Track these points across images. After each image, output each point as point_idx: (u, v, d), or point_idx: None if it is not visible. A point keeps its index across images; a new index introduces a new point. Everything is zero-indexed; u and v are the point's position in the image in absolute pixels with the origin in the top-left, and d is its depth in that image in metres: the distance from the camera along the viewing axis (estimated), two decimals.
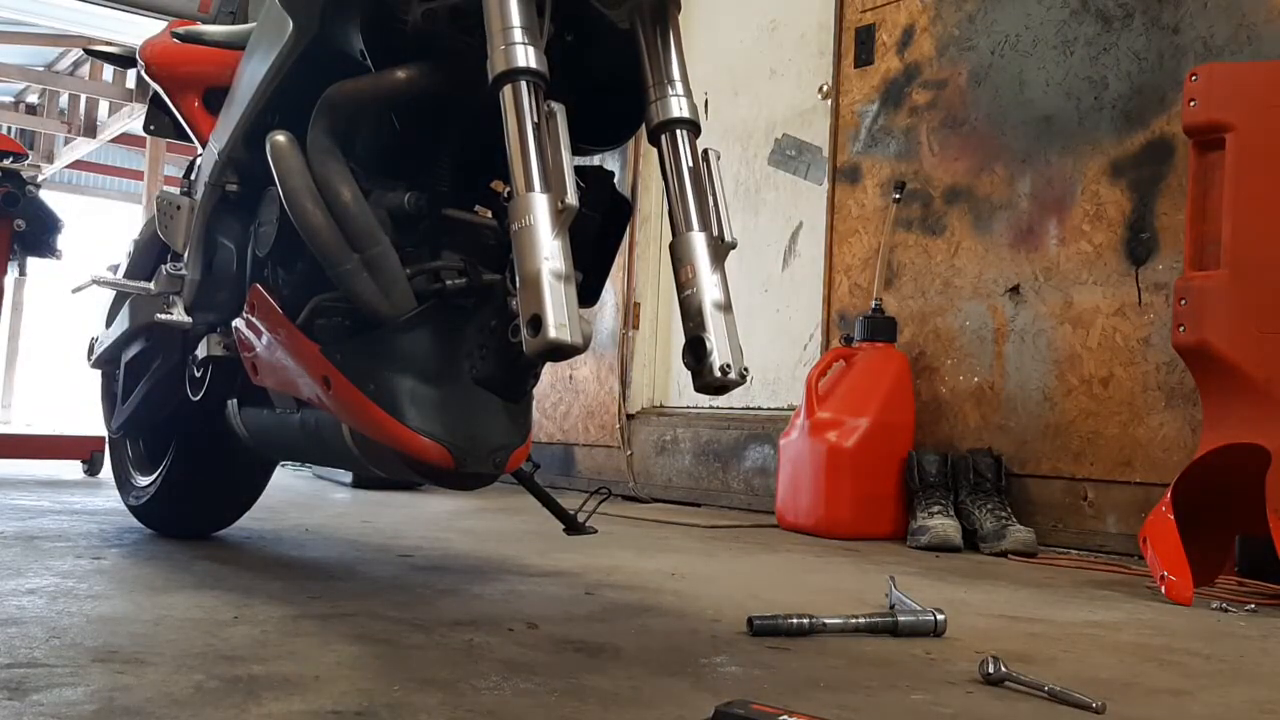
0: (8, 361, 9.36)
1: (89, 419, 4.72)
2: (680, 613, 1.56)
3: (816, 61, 3.75)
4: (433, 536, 2.43)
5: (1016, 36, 3.04)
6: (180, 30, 1.98)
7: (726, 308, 1.22)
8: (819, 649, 1.33)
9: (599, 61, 1.44)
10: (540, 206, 1.11)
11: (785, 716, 0.93)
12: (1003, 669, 1.17)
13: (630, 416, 4.19)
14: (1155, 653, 1.44)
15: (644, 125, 1.33)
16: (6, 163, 3.07)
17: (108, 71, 8.19)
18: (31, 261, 3.27)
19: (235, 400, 1.89)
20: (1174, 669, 1.34)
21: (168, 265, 1.87)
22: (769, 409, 3.80)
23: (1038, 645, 1.45)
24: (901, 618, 1.45)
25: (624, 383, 4.22)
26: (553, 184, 1.12)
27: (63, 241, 3.30)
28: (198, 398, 1.87)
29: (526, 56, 1.16)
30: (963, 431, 3.06)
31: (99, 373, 2.37)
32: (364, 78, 1.39)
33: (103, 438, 3.32)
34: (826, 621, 1.42)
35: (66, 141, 9.38)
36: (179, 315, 1.84)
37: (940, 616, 1.46)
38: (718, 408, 3.87)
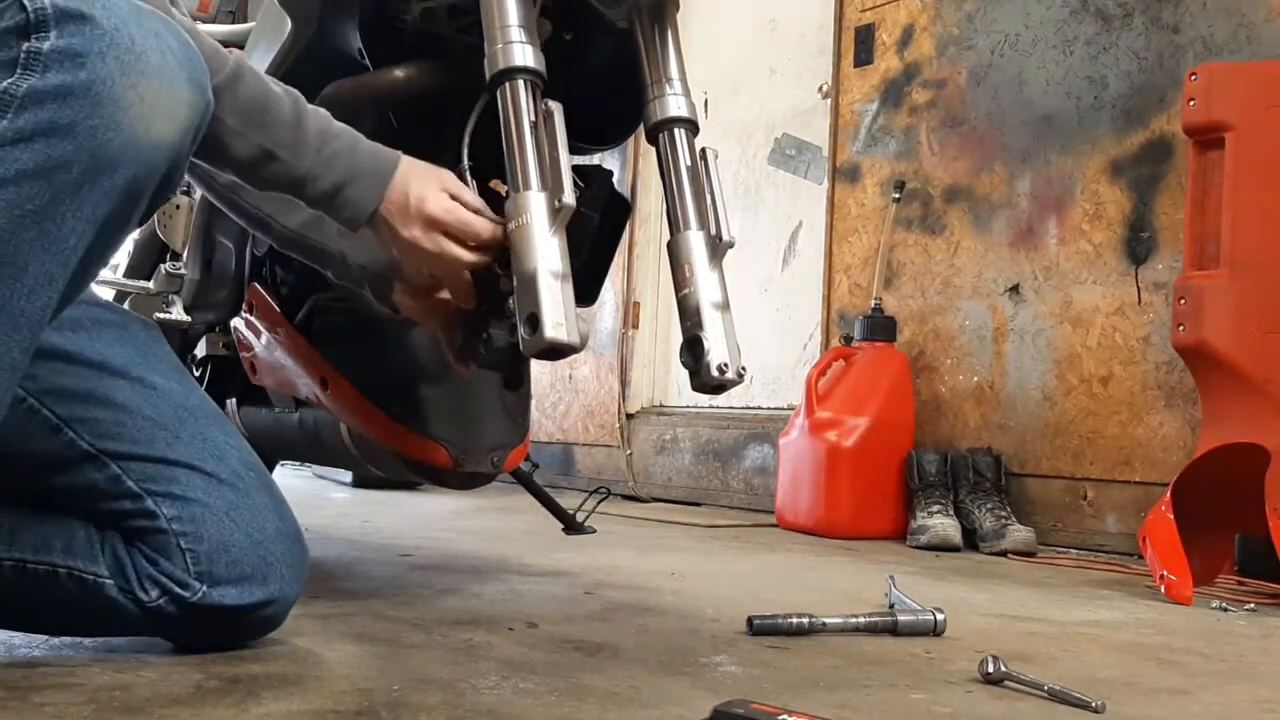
0: None
1: None
2: (680, 612, 1.56)
3: (816, 61, 3.75)
4: (432, 536, 2.43)
5: (1016, 36, 3.04)
6: None
7: (724, 307, 1.21)
8: (819, 649, 1.33)
9: (597, 60, 1.44)
10: (537, 205, 1.11)
11: (785, 716, 0.92)
12: (1002, 668, 1.17)
13: (630, 416, 4.19)
14: (1155, 652, 1.44)
15: (642, 124, 1.32)
16: None
17: None
18: None
19: (234, 399, 1.89)
20: (1174, 668, 1.34)
21: (167, 264, 1.87)
22: (769, 408, 3.80)
23: (1037, 645, 1.45)
24: (901, 617, 1.45)
25: (623, 382, 4.22)
26: (550, 183, 1.12)
27: None
28: None
29: (524, 55, 1.16)
30: (962, 431, 3.06)
31: None
32: (362, 76, 1.39)
33: None
34: (826, 621, 1.41)
35: None
36: (178, 314, 1.84)
37: (940, 616, 1.46)
38: (717, 407, 3.87)
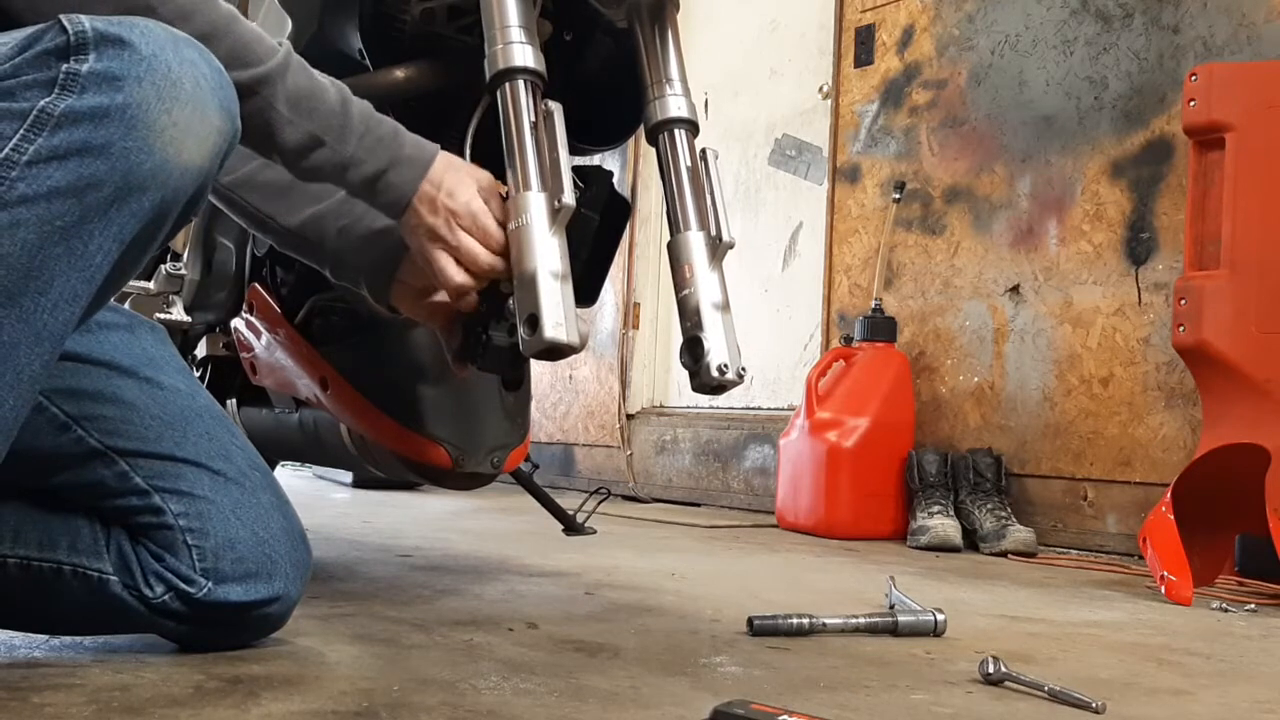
0: None
1: None
2: (680, 613, 1.56)
3: (816, 61, 3.75)
4: (433, 536, 2.43)
5: (1016, 36, 3.04)
6: None
7: (724, 307, 1.21)
8: (819, 649, 1.33)
9: (597, 60, 1.44)
10: (536, 205, 1.11)
11: (785, 716, 0.92)
12: (1003, 669, 1.17)
13: (630, 416, 4.19)
14: (1155, 653, 1.44)
15: (642, 124, 1.33)
16: None
17: None
18: None
19: (234, 400, 1.89)
20: (1174, 669, 1.34)
21: (167, 264, 1.87)
22: (769, 409, 3.80)
23: (1038, 645, 1.45)
24: (901, 618, 1.45)
25: (624, 383, 4.22)
26: (549, 183, 1.12)
27: None
28: None
29: (524, 55, 1.16)
30: (963, 431, 3.06)
31: None
32: (362, 76, 1.39)
33: None
34: (826, 621, 1.41)
35: None
36: (178, 315, 1.84)
37: (940, 616, 1.46)
38: (718, 407, 3.87)
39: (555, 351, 1.09)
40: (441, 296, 1.25)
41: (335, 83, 1.13)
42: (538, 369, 1.66)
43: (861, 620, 1.44)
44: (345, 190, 1.18)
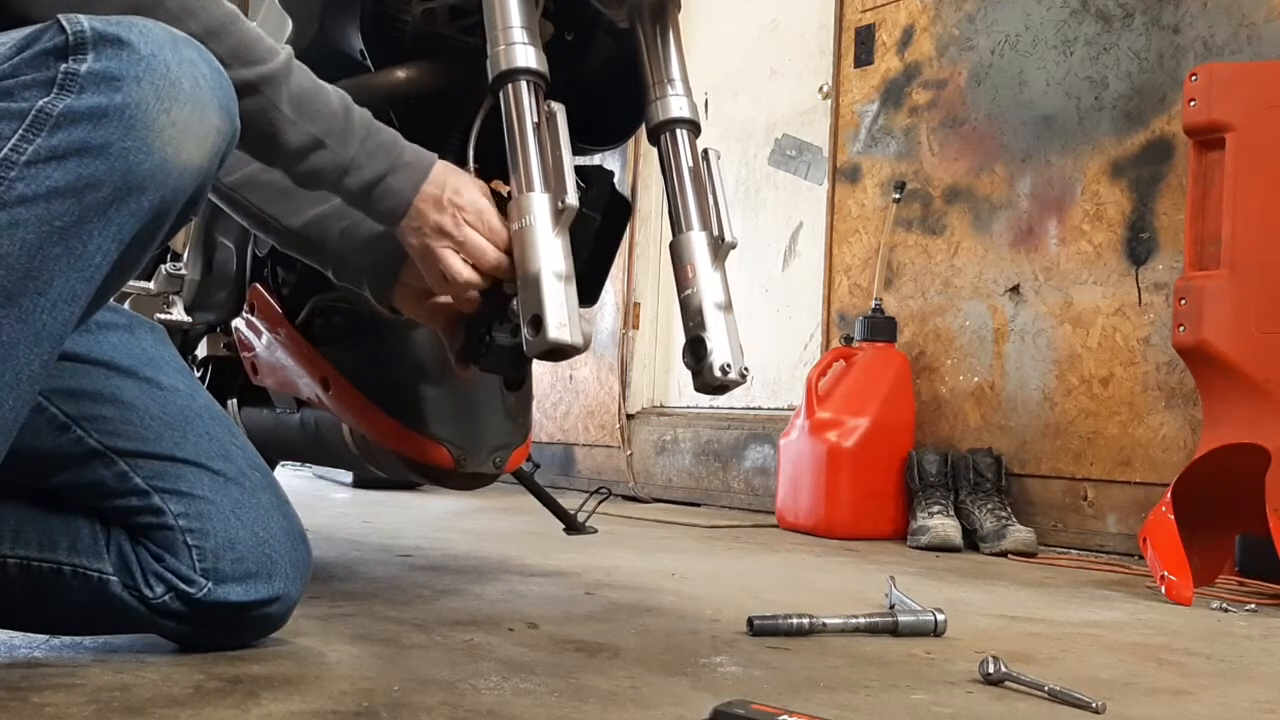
0: None
1: None
2: (680, 613, 1.56)
3: (816, 61, 3.75)
4: (433, 536, 2.43)
5: (1016, 36, 3.04)
6: None
7: (727, 307, 1.21)
8: (819, 649, 1.33)
9: (598, 61, 1.44)
10: (540, 206, 1.11)
11: (785, 716, 0.93)
12: (1003, 669, 1.17)
13: (630, 416, 4.19)
14: (1155, 653, 1.44)
15: (644, 124, 1.33)
16: None
17: None
18: None
19: (235, 400, 1.89)
20: (1174, 669, 1.34)
21: (167, 265, 1.87)
22: (769, 409, 3.80)
23: (1038, 645, 1.45)
24: (901, 618, 1.45)
25: (624, 383, 4.22)
26: (552, 183, 1.12)
27: None
28: None
29: (526, 56, 1.16)
30: (963, 431, 3.06)
31: None
32: (363, 77, 1.39)
33: None
34: (826, 621, 1.41)
35: None
36: (179, 315, 1.84)
37: (940, 616, 1.46)
38: (718, 407, 3.87)
39: (559, 352, 1.09)
40: (444, 297, 1.25)
41: (335, 88, 1.13)
42: (538, 369, 1.66)
43: (861, 620, 1.44)
44: (340, 197, 1.17)
